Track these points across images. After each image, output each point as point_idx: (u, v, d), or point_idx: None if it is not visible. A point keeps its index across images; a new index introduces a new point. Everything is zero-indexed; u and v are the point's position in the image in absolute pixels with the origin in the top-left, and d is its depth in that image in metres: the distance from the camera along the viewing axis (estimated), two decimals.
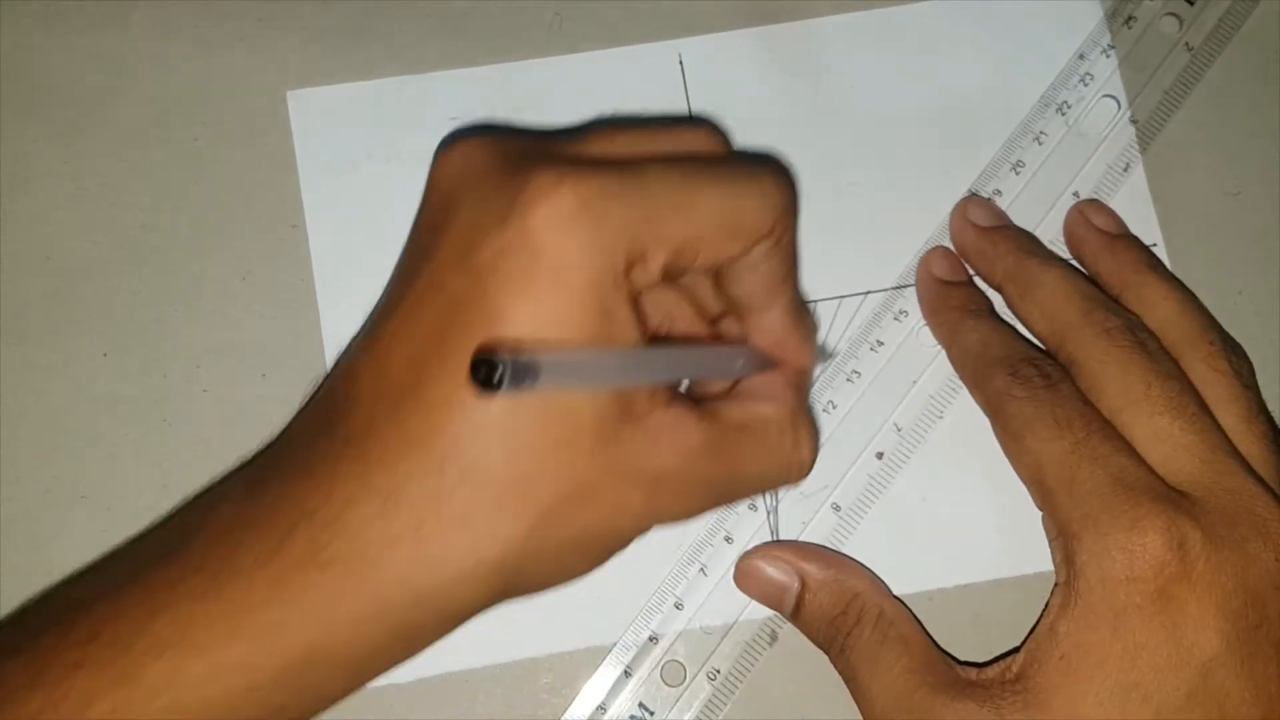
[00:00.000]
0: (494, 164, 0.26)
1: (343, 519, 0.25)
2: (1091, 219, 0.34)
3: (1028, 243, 0.34)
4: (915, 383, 0.34)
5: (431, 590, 0.25)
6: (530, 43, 0.37)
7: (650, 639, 0.33)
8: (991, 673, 0.29)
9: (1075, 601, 0.28)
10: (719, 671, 0.33)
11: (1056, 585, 0.29)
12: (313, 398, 0.29)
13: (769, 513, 0.34)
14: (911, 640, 0.30)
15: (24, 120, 0.36)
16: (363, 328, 0.32)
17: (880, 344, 0.35)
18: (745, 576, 0.33)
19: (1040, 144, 0.36)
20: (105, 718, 0.24)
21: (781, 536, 0.34)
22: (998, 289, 0.34)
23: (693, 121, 0.30)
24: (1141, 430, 0.29)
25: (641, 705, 0.33)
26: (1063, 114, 0.36)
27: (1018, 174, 0.35)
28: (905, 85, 0.37)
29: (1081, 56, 0.36)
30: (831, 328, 0.35)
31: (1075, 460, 0.29)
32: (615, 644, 0.33)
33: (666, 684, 0.33)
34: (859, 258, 0.36)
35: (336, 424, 0.26)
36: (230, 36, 0.36)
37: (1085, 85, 0.36)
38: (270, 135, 0.36)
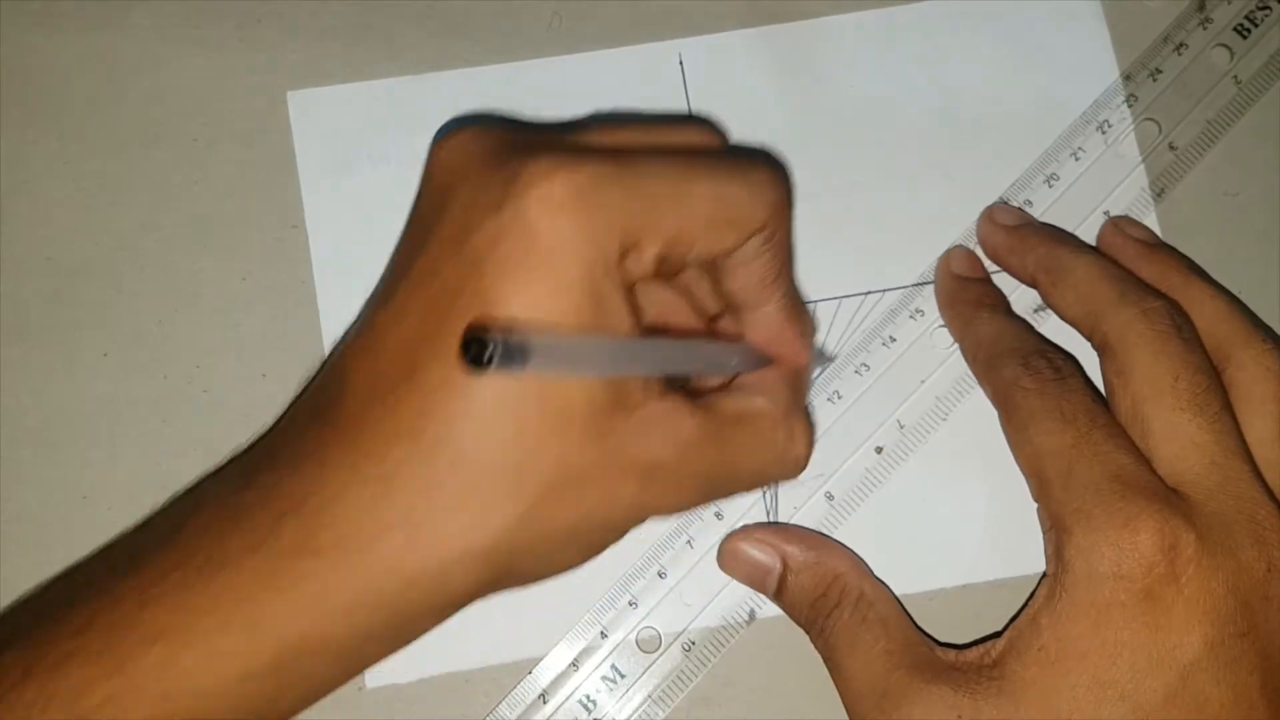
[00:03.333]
0: (490, 152, 0.27)
1: (333, 507, 0.25)
2: (1127, 230, 0.34)
3: (1059, 234, 0.34)
4: (923, 382, 0.34)
5: (423, 577, 0.25)
6: (530, 43, 0.37)
7: (630, 603, 0.33)
8: (971, 656, 0.29)
9: (1060, 594, 0.28)
10: (694, 644, 0.33)
11: (1044, 576, 0.29)
12: (307, 387, 0.29)
13: (764, 493, 0.34)
14: (891, 622, 0.30)
15: (24, 120, 0.36)
16: (357, 318, 0.32)
17: (893, 340, 0.35)
18: (728, 558, 0.33)
19: (1077, 160, 0.36)
20: (99, 706, 0.24)
21: (777, 519, 0.34)
22: (1030, 282, 0.33)
23: (691, 118, 0.30)
24: (1159, 423, 0.29)
25: (614, 667, 0.33)
26: (1103, 132, 0.36)
27: (1051, 186, 0.36)
28: (905, 85, 0.37)
29: (1128, 77, 0.36)
30: (831, 328, 0.35)
31: (1075, 454, 0.28)
32: (594, 604, 0.33)
33: (641, 650, 0.33)
34: (859, 258, 0.36)
35: (329, 412, 0.26)
36: (230, 36, 0.36)
37: (1129, 106, 0.36)
38: (270, 135, 0.36)
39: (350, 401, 0.26)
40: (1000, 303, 0.34)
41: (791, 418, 0.30)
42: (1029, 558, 0.33)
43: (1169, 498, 0.28)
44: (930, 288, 0.35)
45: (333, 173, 0.36)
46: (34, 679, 0.24)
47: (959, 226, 0.36)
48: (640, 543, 0.33)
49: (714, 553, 0.33)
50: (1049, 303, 0.33)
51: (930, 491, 0.34)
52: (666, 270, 0.27)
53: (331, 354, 0.29)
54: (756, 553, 0.32)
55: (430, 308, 0.26)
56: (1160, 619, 0.27)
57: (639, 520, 0.27)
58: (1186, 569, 0.27)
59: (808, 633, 0.32)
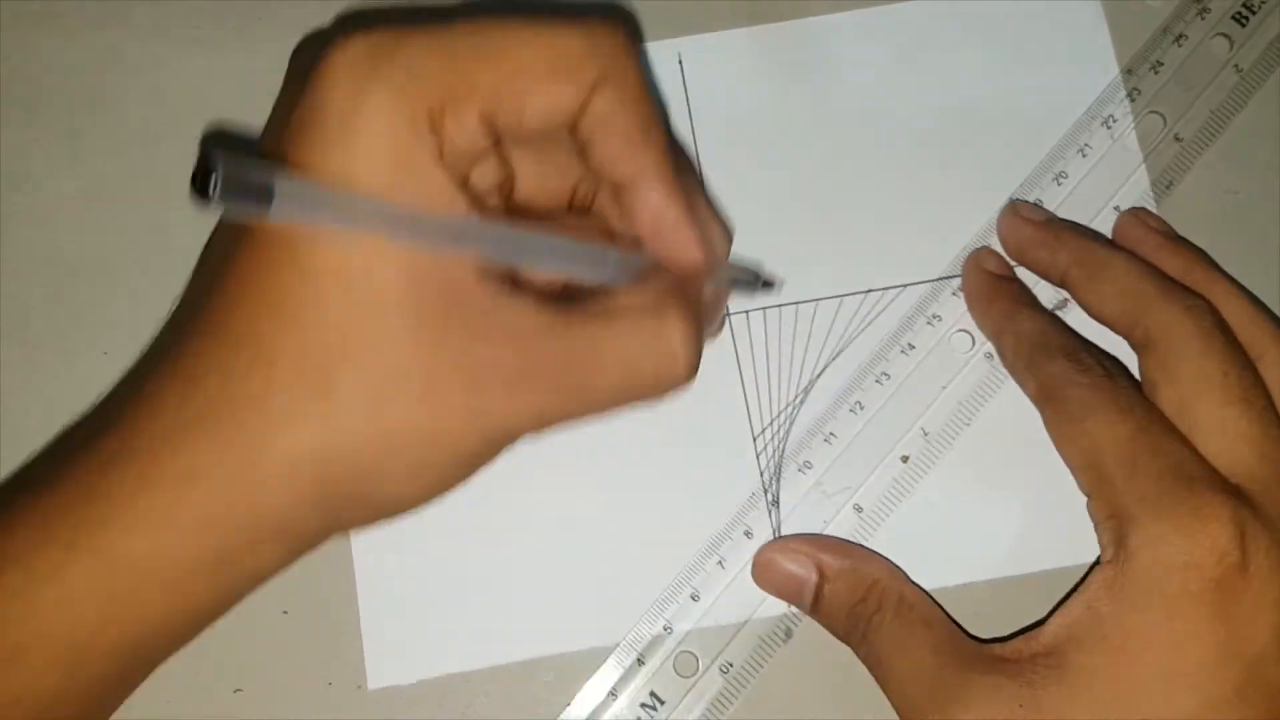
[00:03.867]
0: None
1: (142, 410, 0.24)
2: (1146, 222, 0.34)
3: (1089, 230, 0.34)
4: (944, 388, 0.34)
5: (237, 484, 0.23)
6: None
7: (665, 629, 0.33)
8: (1014, 648, 0.29)
9: (1124, 584, 0.27)
10: (732, 665, 0.33)
11: (1100, 564, 0.29)
12: None
13: (768, 505, 0.34)
14: (934, 621, 0.30)
15: (24, 120, 0.36)
16: None
17: (911, 347, 0.35)
18: (762, 571, 0.33)
19: (1084, 156, 0.36)
20: None
21: (800, 535, 0.33)
22: (1060, 278, 0.33)
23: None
24: (1208, 418, 0.29)
25: (653, 694, 0.33)
26: (1108, 127, 0.36)
27: (1060, 185, 0.36)
28: (904, 83, 0.37)
29: (1130, 71, 0.36)
30: (833, 326, 0.35)
31: (1138, 445, 0.28)
32: (629, 633, 0.33)
33: (679, 674, 0.33)
34: (857, 256, 0.36)
35: (173, 332, 0.26)
36: (230, 36, 0.37)
37: (1132, 100, 0.36)
38: None
39: (184, 313, 0.26)
40: (1036, 301, 0.34)
41: (666, 306, 0.26)
42: (1031, 556, 0.33)
43: (1233, 489, 0.28)
44: (944, 292, 0.35)
45: None
46: None
47: (958, 225, 0.36)
48: (651, 581, 0.33)
49: (746, 574, 0.33)
50: (1080, 298, 0.32)
51: (943, 491, 0.34)
52: (507, 136, 0.25)
53: None
54: (791, 564, 0.32)
55: None
56: (1230, 609, 0.27)
57: (485, 434, 0.24)
58: (1255, 558, 0.27)
59: (848, 642, 0.31)
